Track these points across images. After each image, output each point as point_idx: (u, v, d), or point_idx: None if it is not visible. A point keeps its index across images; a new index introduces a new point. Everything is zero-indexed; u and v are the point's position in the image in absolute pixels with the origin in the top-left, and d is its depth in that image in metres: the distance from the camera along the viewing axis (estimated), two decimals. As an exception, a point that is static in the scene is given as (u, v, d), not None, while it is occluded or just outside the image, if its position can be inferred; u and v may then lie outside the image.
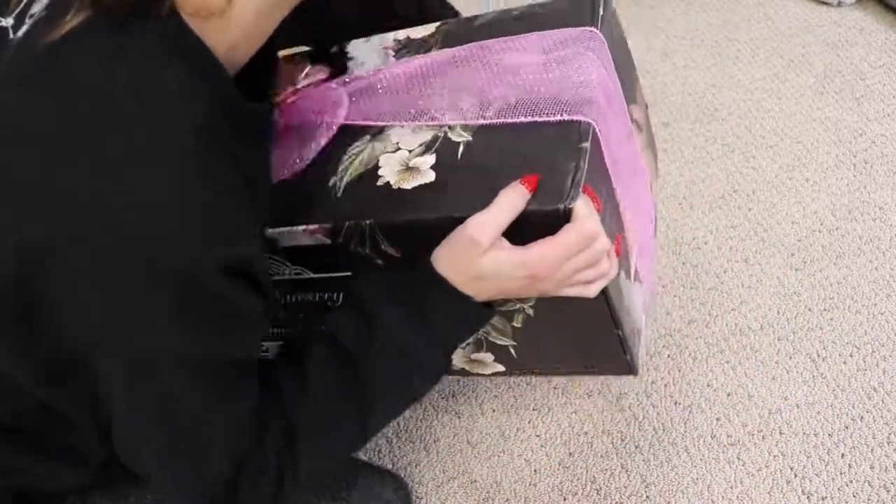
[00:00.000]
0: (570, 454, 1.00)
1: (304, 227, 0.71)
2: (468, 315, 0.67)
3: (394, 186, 0.70)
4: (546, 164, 0.65)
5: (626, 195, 0.76)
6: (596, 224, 0.63)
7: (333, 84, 0.80)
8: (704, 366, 1.08)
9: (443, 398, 1.03)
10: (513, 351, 0.83)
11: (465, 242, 0.63)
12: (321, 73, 0.83)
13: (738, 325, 1.13)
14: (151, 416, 0.59)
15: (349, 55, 0.85)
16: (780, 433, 1.02)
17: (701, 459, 1.00)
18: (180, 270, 0.53)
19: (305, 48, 0.89)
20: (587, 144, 0.66)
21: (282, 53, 0.86)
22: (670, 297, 1.16)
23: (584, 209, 0.62)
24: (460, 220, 0.65)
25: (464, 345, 0.81)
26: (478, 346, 0.83)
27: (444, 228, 0.66)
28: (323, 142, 0.76)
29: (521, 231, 0.65)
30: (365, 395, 0.66)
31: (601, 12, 0.75)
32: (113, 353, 0.55)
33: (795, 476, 0.98)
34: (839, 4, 1.60)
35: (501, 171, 0.66)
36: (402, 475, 0.97)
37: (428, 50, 0.80)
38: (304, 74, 0.83)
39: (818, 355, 1.09)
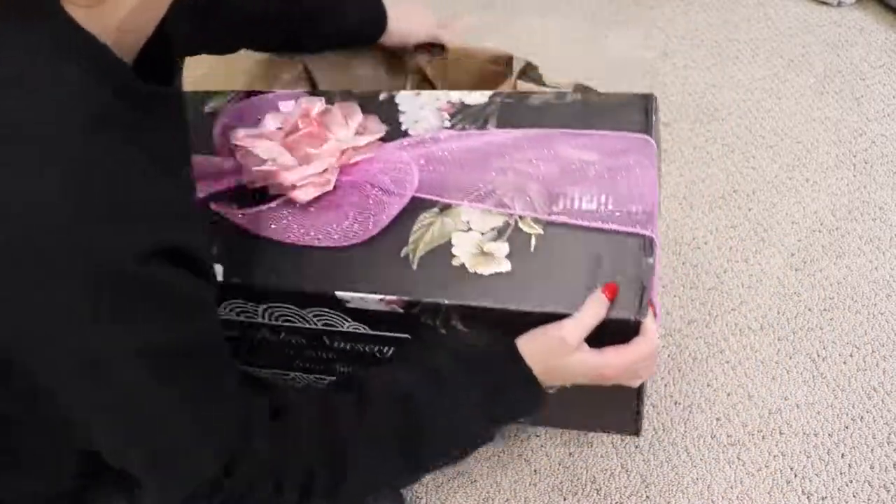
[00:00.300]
0: (570, 454, 1.00)
1: (380, 296, 0.74)
2: (535, 400, 0.72)
3: (470, 270, 0.74)
4: (617, 272, 0.72)
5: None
6: (657, 339, 0.73)
7: (401, 151, 0.82)
8: (704, 366, 1.08)
9: (443, 398, 1.04)
10: None
11: (558, 341, 0.69)
12: (378, 128, 0.84)
13: (738, 325, 1.13)
14: (110, 416, 0.57)
15: (399, 108, 0.88)
16: (780, 433, 1.02)
17: (701, 459, 1.00)
18: (92, 263, 0.51)
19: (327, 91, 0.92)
20: (653, 260, 0.73)
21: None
22: (670, 297, 1.16)
23: (651, 325, 0.71)
24: (535, 315, 0.71)
25: None
26: None
27: (518, 319, 0.72)
28: (394, 214, 0.78)
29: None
30: (418, 445, 0.68)
31: (654, 119, 0.82)
32: (49, 355, 0.54)
33: (795, 476, 0.98)
34: (839, 4, 1.60)
35: (574, 272, 0.72)
36: (402, 475, 0.97)
37: (485, 121, 0.85)
38: (359, 126, 0.84)
39: (818, 355, 1.09)
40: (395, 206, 0.79)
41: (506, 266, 0.74)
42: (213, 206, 0.83)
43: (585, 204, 0.76)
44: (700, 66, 1.49)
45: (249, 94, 0.94)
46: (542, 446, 1.00)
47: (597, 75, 1.47)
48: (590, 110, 0.84)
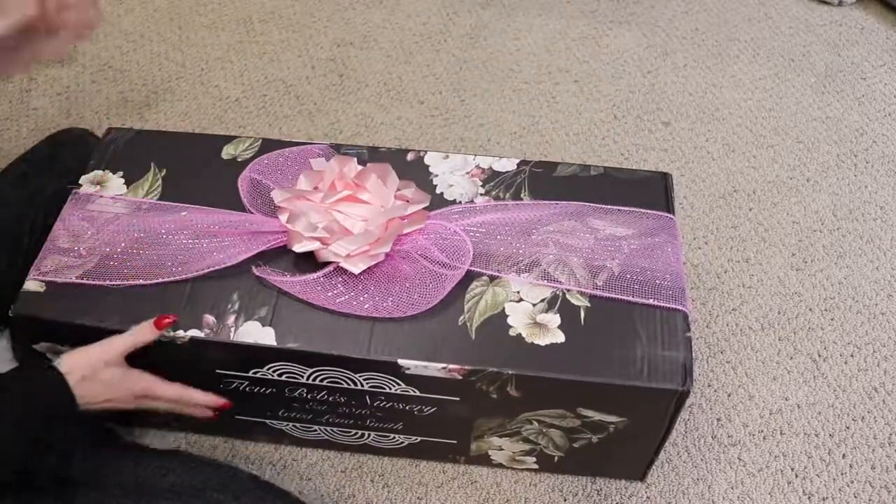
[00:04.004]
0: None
1: (443, 365, 0.78)
2: (66, 396, 0.75)
3: (526, 340, 0.79)
4: (661, 343, 0.80)
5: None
6: (161, 390, 0.81)
7: (448, 222, 0.86)
8: (704, 366, 1.08)
9: (443, 398, 1.04)
10: (556, 459, 0.93)
11: (98, 355, 0.77)
12: (422, 198, 0.87)
13: (739, 325, 1.12)
14: None
15: (430, 170, 0.93)
16: (781, 433, 1.02)
17: (701, 459, 0.99)
18: None
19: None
20: (690, 335, 0.80)
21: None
22: (671, 297, 1.16)
23: (160, 387, 0.80)
24: (593, 385, 0.78)
25: (515, 450, 0.92)
26: (529, 453, 0.92)
27: (574, 388, 0.79)
28: (451, 287, 0.81)
29: (625, 399, 0.80)
30: None
31: (673, 195, 0.91)
32: None
33: (796, 476, 0.98)
34: (840, 4, 1.60)
35: (623, 341, 0.79)
36: (402, 475, 0.97)
37: (518, 192, 0.91)
38: (398, 192, 0.87)
39: (819, 355, 1.09)
40: (452, 280, 0.82)
41: (560, 337, 0.80)
42: (255, 270, 0.83)
43: (626, 279, 0.83)
44: (700, 65, 1.49)
45: (270, 142, 0.95)
46: (542, 447, 1.00)
47: (597, 75, 1.47)
48: (614, 186, 0.92)
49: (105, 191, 0.91)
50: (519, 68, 1.48)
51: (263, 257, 0.84)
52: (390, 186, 0.86)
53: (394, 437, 0.92)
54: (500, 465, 0.97)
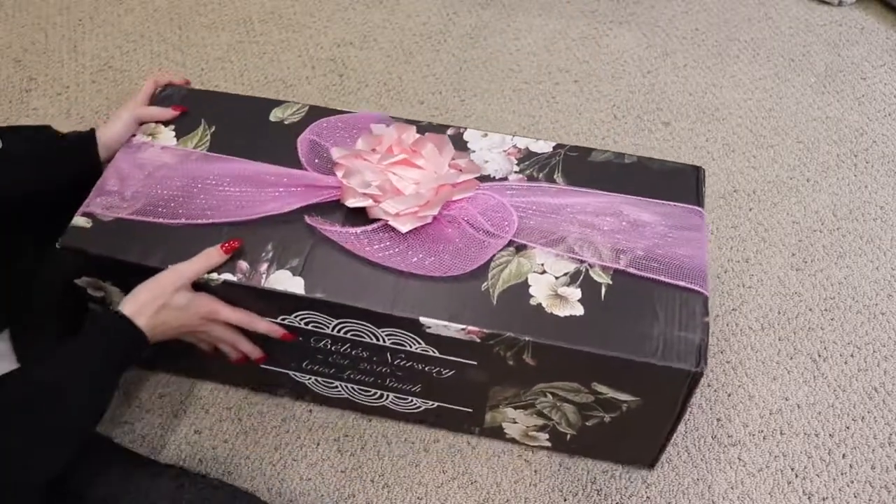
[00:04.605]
0: (571, 455, 0.99)
1: (463, 326, 0.80)
2: (138, 341, 0.80)
3: (546, 310, 0.81)
4: (678, 324, 0.80)
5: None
6: (231, 314, 0.87)
7: (495, 194, 0.89)
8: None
9: (443, 398, 1.04)
10: (569, 437, 0.94)
11: (164, 284, 0.82)
12: (474, 168, 0.90)
13: (739, 325, 1.12)
14: None
15: (469, 146, 0.95)
16: (781, 433, 1.02)
17: (702, 460, 0.99)
18: None
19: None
20: (709, 320, 0.81)
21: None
22: (671, 297, 1.16)
23: (227, 311, 0.85)
24: (607, 358, 0.78)
25: (529, 424, 0.93)
26: (542, 428, 0.93)
27: (588, 360, 0.79)
28: (493, 254, 0.84)
29: (638, 377, 0.80)
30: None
31: (704, 190, 0.92)
32: None
33: (796, 476, 0.98)
34: (840, 4, 1.60)
35: (641, 322, 0.80)
36: (402, 475, 0.97)
37: (551, 173, 0.92)
38: (451, 161, 0.89)
39: (819, 355, 1.09)
40: (494, 248, 0.84)
41: (579, 310, 0.81)
42: (307, 218, 0.86)
43: (649, 260, 0.84)
44: (700, 65, 1.49)
45: (316, 108, 0.99)
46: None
47: (597, 75, 1.47)
48: (647, 176, 0.93)
49: (156, 142, 0.94)
50: (519, 68, 1.48)
51: (314, 210, 0.87)
52: (445, 155, 0.89)
53: (411, 401, 0.94)
54: (514, 441, 0.97)
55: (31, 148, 0.90)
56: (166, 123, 0.96)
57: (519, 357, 0.82)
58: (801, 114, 1.40)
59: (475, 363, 0.85)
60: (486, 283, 0.83)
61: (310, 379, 0.95)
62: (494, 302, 0.81)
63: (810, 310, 1.14)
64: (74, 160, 0.91)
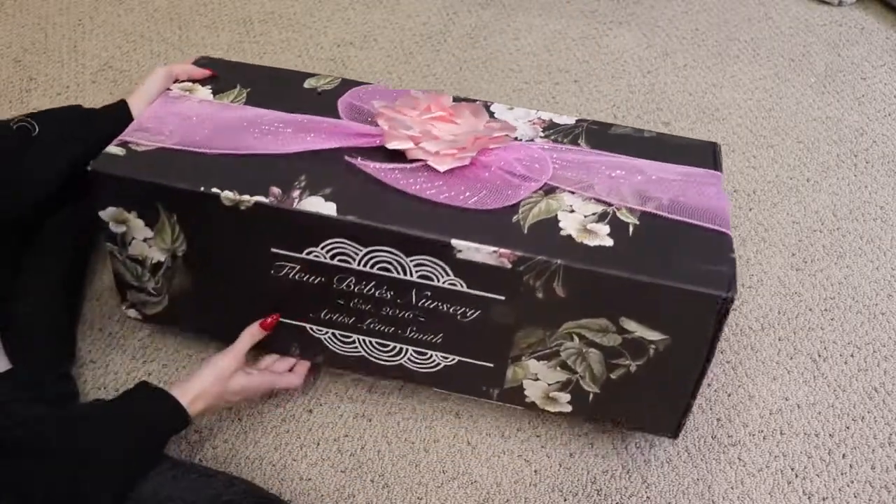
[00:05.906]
0: (571, 454, 0.99)
1: (494, 248, 0.81)
2: (180, 419, 0.85)
3: (576, 240, 0.82)
4: (706, 258, 0.82)
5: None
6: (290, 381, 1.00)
7: (539, 147, 0.94)
8: (705, 366, 1.08)
9: (442, 399, 1.03)
10: (591, 397, 0.92)
11: (217, 374, 0.88)
12: (509, 127, 0.94)
13: (739, 325, 1.12)
14: None
15: (496, 116, 1.00)
16: (781, 433, 1.02)
17: (702, 460, 0.99)
18: None
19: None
20: (734, 256, 0.82)
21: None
22: (671, 297, 1.16)
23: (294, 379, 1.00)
24: (641, 283, 0.79)
25: (551, 381, 0.91)
26: (564, 386, 0.92)
27: (618, 285, 0.80)
28: (526, 195, 0.87)
29: (667, 308, 0.81)
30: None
31: (721, 160, 0.95)
32: None
33: (796, 476, 0.98)
34: (840, 4, 1.60)
35: (671, 254, 0.81)
36: (402, 475, 0.97)
37: (575, 140, 0.96)
38: (492, 124, 0.93)
39: (819, 355, 1.09)
40: (528, 189, 0.87)
41: (609, 242, 0.83)
42: (346, 157, 0.89)
43: (674, 205, 0.87)
44: (700, 65, 1.49)
45: (349, 81, 1.03)
46: (542, 447, 1.00)
47: (597, 75, 1.47)
48: (666, 147, 0.96)
49: (193, 96, 0.98)
50: (519, 68, 1.48)
51: (361, 153, 0.90)
52: (480, 119, 0.92)
53: (430, 357, 0.94)
54: (533, 406, 0.96)
55: (64, 131, 0.90)
56: (202, 83, 1.00)
57: (549, 286, 0.82)
58: (801, 114, 1.40)
59: (502, 298, 0.85)
60: (516, 216, 0.84)
61: (326, 333, 0.95)
62: (525, 231, 0.83)
63: (810, 310, 1.14)
64: (110, 137, 0.91)
